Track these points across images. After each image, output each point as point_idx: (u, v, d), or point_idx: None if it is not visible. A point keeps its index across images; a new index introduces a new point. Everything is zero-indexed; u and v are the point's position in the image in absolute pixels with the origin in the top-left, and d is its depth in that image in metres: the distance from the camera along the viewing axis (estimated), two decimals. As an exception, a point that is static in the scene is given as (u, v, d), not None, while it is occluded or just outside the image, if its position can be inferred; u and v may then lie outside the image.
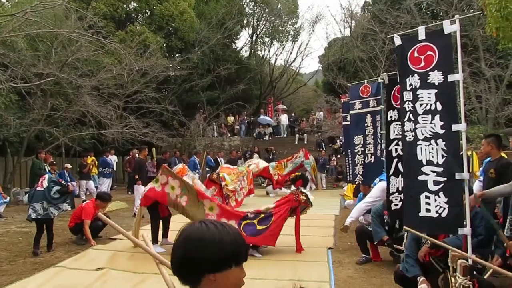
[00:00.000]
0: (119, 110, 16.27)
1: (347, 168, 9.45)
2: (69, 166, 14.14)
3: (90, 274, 5.02)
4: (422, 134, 3.16)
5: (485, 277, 3.86)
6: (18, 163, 13.77)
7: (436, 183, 3.12)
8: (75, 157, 16.99)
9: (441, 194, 3.09)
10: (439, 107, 3.11)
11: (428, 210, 3.14)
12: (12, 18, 10.22)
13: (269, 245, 6.16)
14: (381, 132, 7.78)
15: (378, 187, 6.46)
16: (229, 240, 1.16)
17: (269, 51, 32.56)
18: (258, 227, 6.02)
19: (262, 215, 6.10)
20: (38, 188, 6.44)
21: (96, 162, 14.43)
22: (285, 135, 24.71)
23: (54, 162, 12.25)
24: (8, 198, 10.47)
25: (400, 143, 4.50)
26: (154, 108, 18.60)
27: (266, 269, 5.29)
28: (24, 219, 9.43)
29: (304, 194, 6.34)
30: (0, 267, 5.37)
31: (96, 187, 13.40)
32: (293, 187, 6.54)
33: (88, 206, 7.08)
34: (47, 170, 11.21)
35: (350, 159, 8.95)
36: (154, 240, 6.47)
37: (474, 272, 3.13)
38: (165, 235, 6.70)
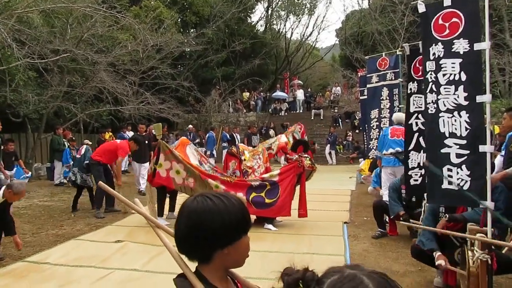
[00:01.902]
0: (135, 86, 16.34)
1: (365, 143, 9.35)
2: (89, 142, 14.39)
3: (110, 246, 5.15)
4: (445, 106, 3.04)
5: (503, 251, 3.81)
6: (39, 139, 14.05)
7: (458, 155, 3.02)
8: (93, 133, 17.25)
9: (463, 167, 3.00)
10: (464, 77, 2.97)
11: (450, 183, 3.07)
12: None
13: (284, 216, 6.19)
14: (399, 106, 7.62)
15: (383, 176, 6.49)
16: (235, 210, 1.13)
17: (285, 25, 32.04)
18: (267, 201, 6.05)
19: (269, 187, 6.11)
20: (77, 156, 7.97)
21: (114, 138, 14.57)
22: (301, 111, 24.50)
23: (74, 138, 12.46)
24: (30, 173, 10.75)
25: (420, 116, 4.38)
26: (170, 84, 18.61)
27: (281, 242, 5.33)
28: (45, 193, 9.73)
29: (308, 159, 6.31)
30: (24, 239, 5.54)
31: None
32: (295, 155, 6.49)
33: (124, 144, 7.64)
34: (67, 146, 11.43)
35: (366, 134, 8.84)
36: (160, 214, 6.58)
37: (492, 247, 3.08)
38: (171, 208, 6.78)
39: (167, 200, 6.81)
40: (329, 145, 18.08)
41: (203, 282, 1.12)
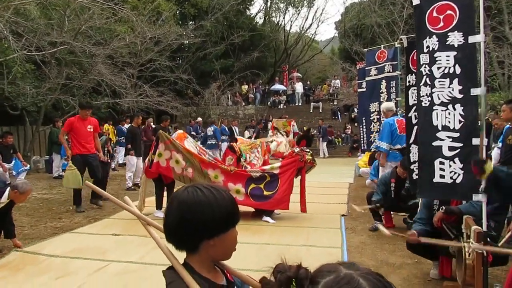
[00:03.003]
0: (133, 79, 16.30)
1: (362, 136, 9.34)
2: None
3: (107, 238, 5.18)
4: (439, 99, 3.04)
5: (500, 244, 3.83)
6: (37, 132, 14.04)
7: (451, 148, 3.03)
8: (92, 126, 17.19)
9: (456, 160, 3.01)
10: (458, 70, 2.97)
11: (442, 176, 3.07)
12: (23, -15, 10.14)
13: (282, 209, 6.21)
14: (396, 98, 7.61)
15: (386, 170, 6.46)
16: (225, 203, 1.15)
17: (284, 18, 31.97)
18: (265, 193, 6.05)
19: (268, 178, 6.12)
20: None
21: (115, 130, 14.48)
22: (299, 104, 24.49)
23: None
24: (29, 166, 10.74)
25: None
26: (168, 76, 18.57)
27: (279, 235, 5.36)
28: (44, 186, 9.74)
29: (309, 154, 6.31)
30: (22, 231, 5.56)
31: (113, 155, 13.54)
32: (297, 148, 6.49)
33: (70, 118, 7.23)
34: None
35: (364, 127, 8.82)
36: (159, 206, 6.59)
37: (488, 239, 3.10)
38: None
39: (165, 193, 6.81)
40: (321, 138, 17.98)
41: (191, 273, 1.14)
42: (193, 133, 16.81)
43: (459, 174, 3.03)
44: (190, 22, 23.24)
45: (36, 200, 7.95)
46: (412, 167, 4.54)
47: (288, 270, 0.90)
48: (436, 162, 3.08)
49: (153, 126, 13.54)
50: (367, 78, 8.49)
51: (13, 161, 9.87)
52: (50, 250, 4.65)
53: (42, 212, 6.91)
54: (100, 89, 15.19)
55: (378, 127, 8.22)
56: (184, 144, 6.44)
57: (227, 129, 17.68)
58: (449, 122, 3.01)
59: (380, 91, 8.03)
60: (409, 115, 4.53)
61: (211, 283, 1.16)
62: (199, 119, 18.09)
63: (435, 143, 3.09)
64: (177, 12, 21.68)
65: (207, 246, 1.14)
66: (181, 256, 1.21)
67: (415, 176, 4.52)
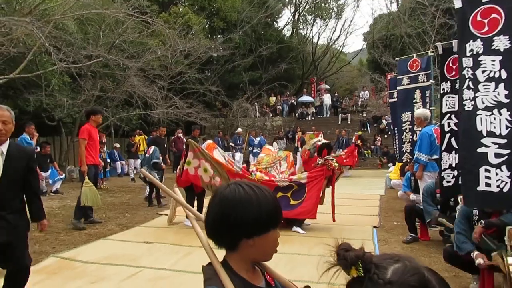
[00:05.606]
0: (164, 91, 16.65)
1: (395, 147, 9.13)
2: (117, 145, 14.81)
3: (139, 246, 5.24)
4: (483, 103, 2.92)
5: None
6: (72, 142, 14.51)
7: (497, 155, 2.89)
8: (123, 137, 17.64)
9: (503, 167, 2.86)
10: (504, 75, 2.85)
11: (488, 185, 2.93)
12: (63, 1, 10.60)
13: (309, 218, 6.12)
14: (430, 108, 7.41)
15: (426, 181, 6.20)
16: (267, 202, 1.13)
17: (311, 30, 31.90)
18: (292, 202, 6.00)
19: (295, 187, 6.06)
20: (146, 155, 8.41)
21: (145, 140, 14.78)
22: (328, 115, 24.32)
23: (104, 141, 12.78)
24: (64, 175, 11.08)
25: (452, 117, 4.26)
26: (198, 88, 18.88)
27: (309, 245, 5.27)
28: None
29: (334, 161, 6.21)
30: (58, 237, 5.71)
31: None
32: (320, 159, 6.38)
33: (84, 126, 6.61)
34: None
35: (397, 137, 8.62)
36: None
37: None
38: (199, 210, 6.80)
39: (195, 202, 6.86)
40: (340, 150, 17.49)
41: (228, 271, 1.12)
42: (231, 144, 16.98)
43: (506, 183, 2.88)
44: (219, 35, 23.62)
45: (70, 208, 8.14)
46: (442, 174, 4.41)
47: (356, 250, 0.88)
48: (481, 170, 2.94)
49: (182, 137, 13.76)
50: (398, 88, 8.32)
51: (50, 170, 10.21)
52: (85, 256, 4.74)
53: (77, 219, 7.07)
54: (132, 101, 15.59)
55: (410, 137, 8.01)
56: (213, 154, 6.48)
57: (254, 140, 17.72)
58: (495, 127, 2.89)
59: (414, 100, 7.85)
60: (442, 122, 4.41)
61: (247, 284, 1.14)
62: (239, 129, 18.15)
63: (479, 150, 2.96)
64: (207, 26, 22.12)
65: (247, 245, 1.12)
66: (221, 253, 1.20)
67: (445, 183, 4.39)
